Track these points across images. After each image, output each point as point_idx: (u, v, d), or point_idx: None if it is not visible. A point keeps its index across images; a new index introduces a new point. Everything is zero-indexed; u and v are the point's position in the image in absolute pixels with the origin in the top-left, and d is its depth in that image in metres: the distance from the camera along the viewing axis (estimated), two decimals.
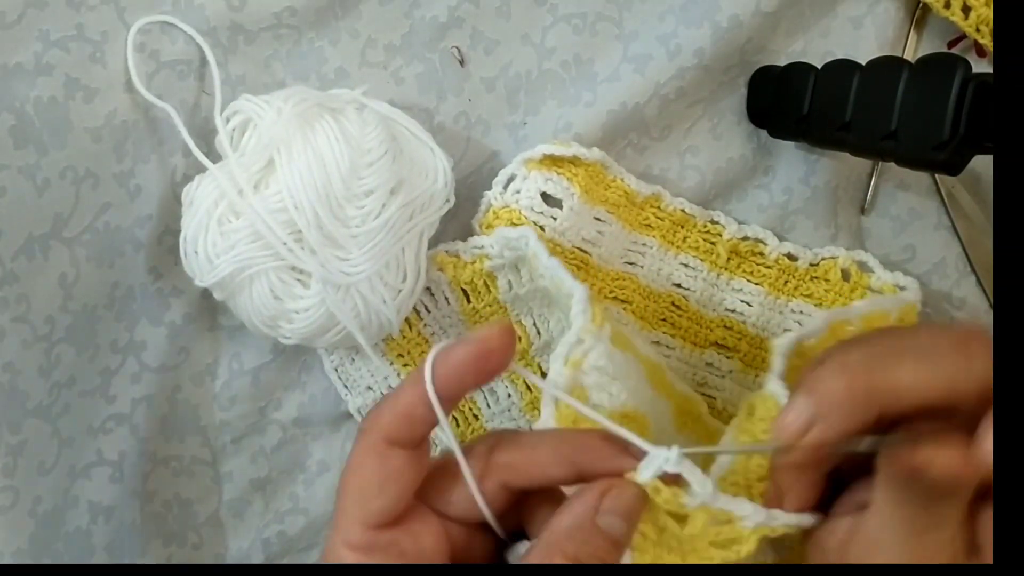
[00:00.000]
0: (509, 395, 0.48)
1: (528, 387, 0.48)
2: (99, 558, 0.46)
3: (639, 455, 0.30)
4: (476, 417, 0.49)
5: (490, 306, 0.46)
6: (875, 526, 0.30)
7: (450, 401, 0.30)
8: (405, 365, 0.47)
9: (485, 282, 0.46)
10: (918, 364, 0.29)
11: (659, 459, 0.29)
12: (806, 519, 0.32)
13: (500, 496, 0.31)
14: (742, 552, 0.31)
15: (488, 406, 0.49)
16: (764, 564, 0.38)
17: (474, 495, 0.31)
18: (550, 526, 0.29)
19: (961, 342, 0.29)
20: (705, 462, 0.34)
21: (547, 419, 0.34)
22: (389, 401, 0.30)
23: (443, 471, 0.32)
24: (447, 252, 0.46)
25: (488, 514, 0.31)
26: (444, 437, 0.31)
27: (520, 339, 0.47)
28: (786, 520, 0.31)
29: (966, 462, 0.28)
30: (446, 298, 0.46)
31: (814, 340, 0.38)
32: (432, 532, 0.31)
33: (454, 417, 0.47)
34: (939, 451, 0.28)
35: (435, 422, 0.30)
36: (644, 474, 0.29)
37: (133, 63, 0.43)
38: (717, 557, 0.31)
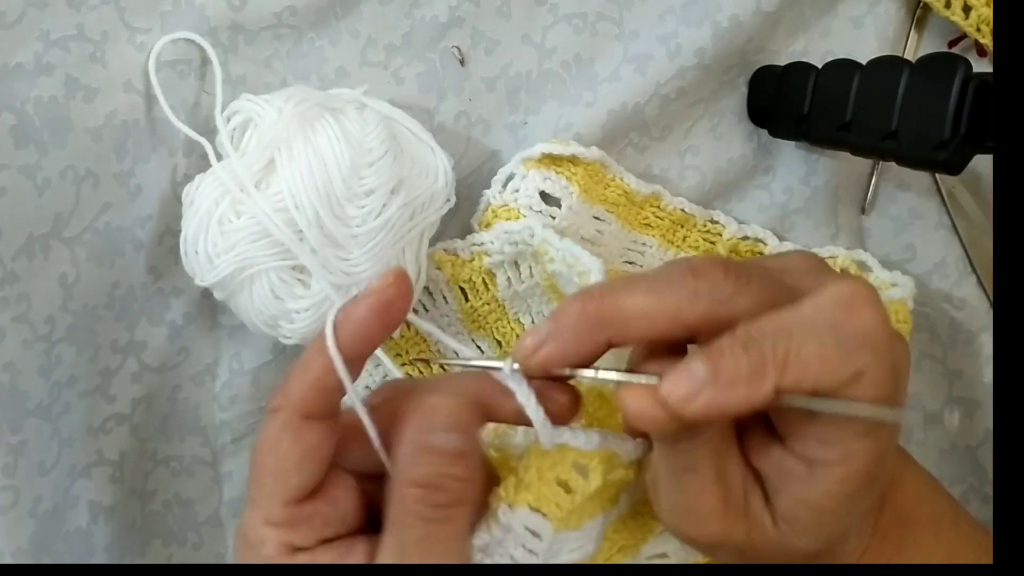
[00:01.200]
0: (482, 351, 0.47)
1: (499, 342, 0.47)
2: (99, 558, 0.46)
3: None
4: (444, 369, 0.47)
5: (488, 304, 0.46)
6: (655, 463, 0.32)
7: (359, 361, 0.30)
8: (403, 364, 0.47)
9: (484, 279, 0.46)
10: (647, 293, 0.29)
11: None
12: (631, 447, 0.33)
13: None
14: (591, 485, 0.32)
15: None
16: (760, 564, 0.38)
17: (386, 464, 0.31)
18: (394, 464, 0.30)
19: (691, 268, 0.29)
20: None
21: None
22: (297, 375, 0.30)
23: (352, 430, 0.31)
24: (445, 250, 0.46)
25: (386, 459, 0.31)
26: (358, 412, 0.30)
27: (518, 337, 0.47)
28: (623, 447, 0.32)
29: (652, 408, 0.28)
30: (444, 297, 0.46)
31: None
32: (350, 495, 0.31)
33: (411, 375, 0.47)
34: (630, 395, 0.28)
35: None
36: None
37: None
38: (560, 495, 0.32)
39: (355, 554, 0.30)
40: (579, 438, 0.32)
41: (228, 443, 0.48)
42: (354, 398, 0.30)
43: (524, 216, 0.45)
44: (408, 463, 0.29)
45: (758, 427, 0.31)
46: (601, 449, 0.32)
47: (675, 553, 0.38)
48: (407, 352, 0.47)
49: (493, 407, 0.31)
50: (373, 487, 0.32)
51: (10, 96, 0.41)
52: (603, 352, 0.30)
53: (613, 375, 0.29)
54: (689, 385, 0.27)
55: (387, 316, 0.29)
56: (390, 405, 0.31)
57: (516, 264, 0.45)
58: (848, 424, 0.28)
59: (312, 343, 0.30)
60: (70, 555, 0.45)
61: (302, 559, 0.30)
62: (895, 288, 0.46)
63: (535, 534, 0.32)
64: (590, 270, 0.38)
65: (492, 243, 0.44)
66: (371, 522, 0.32)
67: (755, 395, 0.27)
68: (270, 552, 0.30)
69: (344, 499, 0.31)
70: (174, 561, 0.48)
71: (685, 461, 0.30)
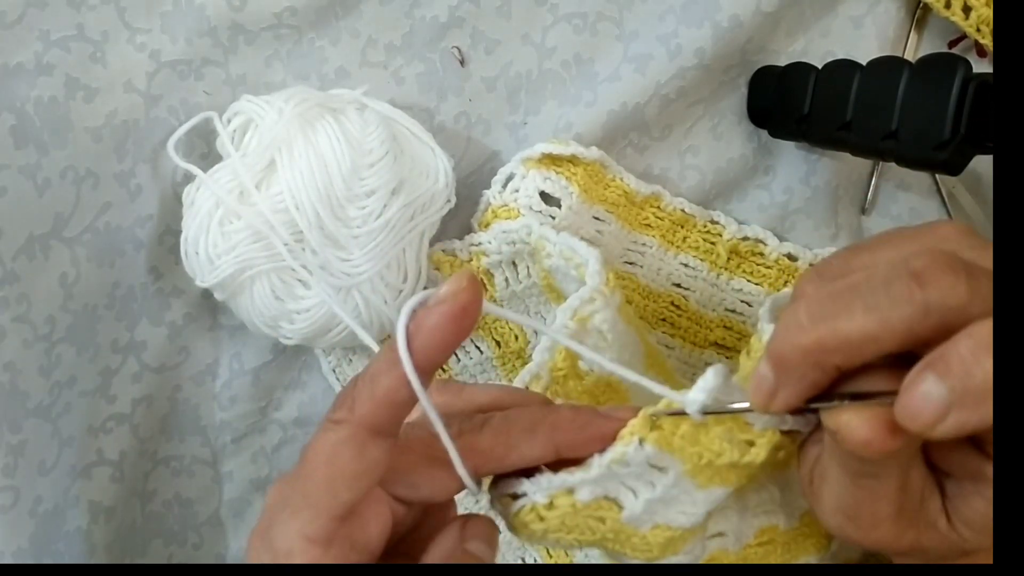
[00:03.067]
0: (481, 351, 0.47)
1: (498, 343, 0.47)
2: (99, 558, 0.46)
3: (611, 421, 0.30)
4: (443, 370, 0.47)
5: None
6: (826, 460, 0.30)
7: (430, 374, 0.28)
8: None
9: (482, 280, 0.46)
10: (868, 313, 0.26)
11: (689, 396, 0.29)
12: (803, 422, 0.31)
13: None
14: (760, 456, 0.30)
15: (458, 360, 0.47)
16: (765, 564, 0.38)
17: (467, 484, 0.30)
18: (424, 560, 0.30)
19: (915, 275, 0.26)
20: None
21: (540, 364, 0.35)
22: (365, 387, 0.28)
23: (405, 452, 0.30)
24: (443, 251, 0.46)
25: (475, 488, 0.30)
26: (435, 427, 0.29)
27: (516, 338, 0.47)
28: (792, 423, 0.31)
29: (882, 434, 0.26)
30: None
31: None
32: (380, 519, 0.30)
33: None
34: (854, 419, 0.27)
35: (416, 401, 0.28)
36: (692, 406, 0.29)
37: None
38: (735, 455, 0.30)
39: None
40: (761, 419, 0.30)
41: (228, 443, 0.48)
42: (433, 416, 0.28)
43: (523, 216, 0.45)
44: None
45: None
46: (773, 431, 0.30)
47: (732, 532, 0.37)
48: None
49: (569, 445, 0.30)
50: (399, 511, 0.31)
51: (10, 96, 0.41)
52: (837, 376, 0.28)
53: (847, 404, 0.27)
54: (934, 409, 0.25)
55: (463, 322, 0.27)
56: (461, 433, 0.30)
57: (514, 264, 0.45)
58: None
59: (381, 353, 0.28)
60: (70, 555, 0.45)
61: None
62: None
63: (660, 469, 0.30)
64: (587, 260, 0.38)
65: (490, 243, 0.44)
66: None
67: None
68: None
69: (373, 525, 0.30)
70: (174, 561, 0.48)
71: (868, 467, 0.29)
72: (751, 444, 0.30)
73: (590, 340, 0.37)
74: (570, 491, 0.30)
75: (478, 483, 0.31)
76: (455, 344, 0.27)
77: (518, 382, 0.38)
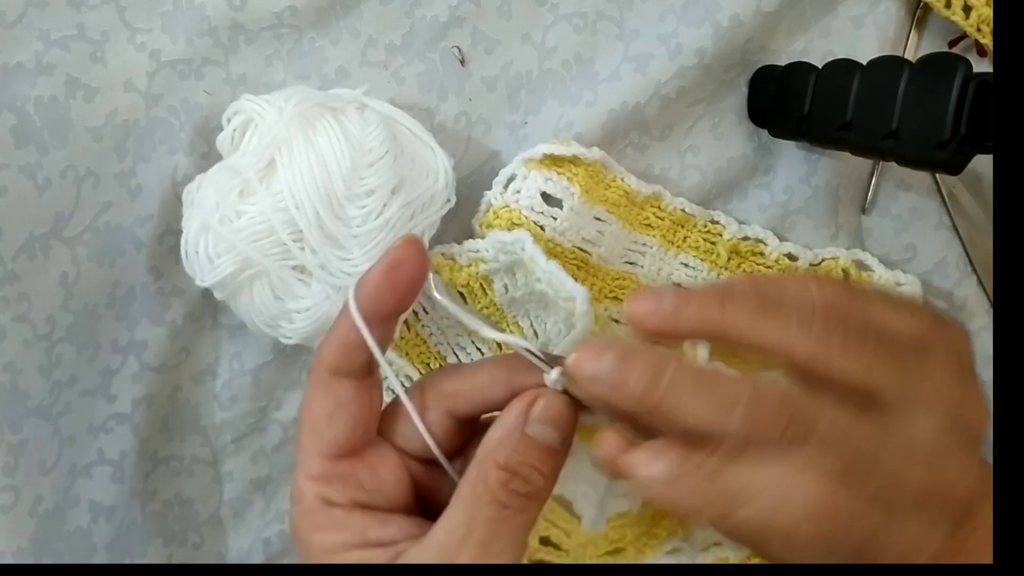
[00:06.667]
0: (482, 352, 0.48)
1: (499, 346, 0.47)
2: (100, 558, 0.46)
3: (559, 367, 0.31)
4: (408, 327, 0.48)
5: (486, 308, 0.46)
6: None
7: (380, 321, 0.31)
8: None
9: (481, 285, 0.46)
10: (698, 412, 0.28)
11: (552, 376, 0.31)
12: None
13: (447, 426, 0.33)
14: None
15: (459, 361, 0.48)
16: (765, 564, 0.38)
17: (413, 419, 0.32)
18: (484, 439, 0.30)
19: (746, 415, 0.28)
20: None
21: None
22: (327, 336, 0.32)
23: (398, 408, 0.33)
24: (443, 255, 0.46)
25: (427, 435, 0.32)
26: (377, 358, 0.31)
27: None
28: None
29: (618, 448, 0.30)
30: None
31: None
32: (391, 466, 0.32)
33: (419, 371, 0.47)
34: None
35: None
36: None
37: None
38: None
39: (391, 526, 0.31)
40: None
41: (228, 443, 0.48)
42: (373, 346, 0.30)
43: (526, 218, 0.45)
44: (500, 444, 0.30)
45: None
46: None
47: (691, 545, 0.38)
48: (407, 354, 0.47)
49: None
50: (423, 472, 0.33)
51: (10, 96, 0.41)
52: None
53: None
54: (655, 473, 0.29)
55: (396, 274, 0.30)
56: (433, 381, 0.33)
57: (512, 271, 0.45)
58: None
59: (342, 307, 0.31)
60: (70, 555, 0.45)
61: (337, 514, 0.30)
62: (902, 288, 0.46)
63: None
64: (575, 297, 0.38)
65: (487, 251, 0.44)
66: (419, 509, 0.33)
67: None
68: (308, 505, 0.31)
69: (384, 470, 0.32)
70: (174, 561, 0.48)
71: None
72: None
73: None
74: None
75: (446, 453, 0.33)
76: (393, 294, 0.31)
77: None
